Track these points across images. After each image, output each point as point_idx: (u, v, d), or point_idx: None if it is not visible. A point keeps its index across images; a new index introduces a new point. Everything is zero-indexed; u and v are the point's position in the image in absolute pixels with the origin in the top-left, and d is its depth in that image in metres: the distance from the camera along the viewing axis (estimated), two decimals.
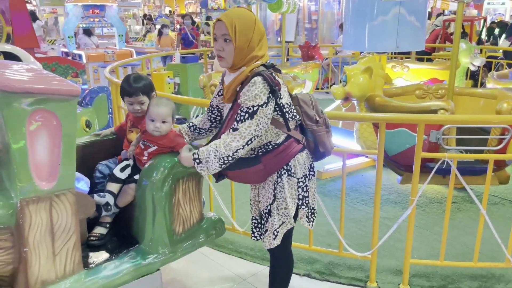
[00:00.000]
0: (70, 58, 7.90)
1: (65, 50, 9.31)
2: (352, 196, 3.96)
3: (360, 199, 3.94)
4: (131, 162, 2.19)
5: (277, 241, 1.98)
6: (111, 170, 2.21)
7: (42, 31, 10.84)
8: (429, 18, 10.33)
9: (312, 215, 2.05)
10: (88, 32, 10.02)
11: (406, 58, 7.67)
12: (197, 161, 1.88)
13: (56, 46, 10.55)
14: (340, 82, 3.90)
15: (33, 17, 9.53)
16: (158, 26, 12.52)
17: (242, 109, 1.81)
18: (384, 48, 4.95)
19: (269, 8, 5.82)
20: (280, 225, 1.97)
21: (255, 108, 1.78)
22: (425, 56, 7.84)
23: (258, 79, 1.78)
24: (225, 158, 1.83)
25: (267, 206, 1.98)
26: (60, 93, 1.52)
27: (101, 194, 2.09)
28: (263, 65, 1.87)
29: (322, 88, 8.68)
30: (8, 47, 4.04)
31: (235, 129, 1.81)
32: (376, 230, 2.65)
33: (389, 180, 4.13)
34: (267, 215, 1.99)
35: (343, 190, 2.73)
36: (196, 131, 2.18)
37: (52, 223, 1.64)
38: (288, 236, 2.05)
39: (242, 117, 1.80)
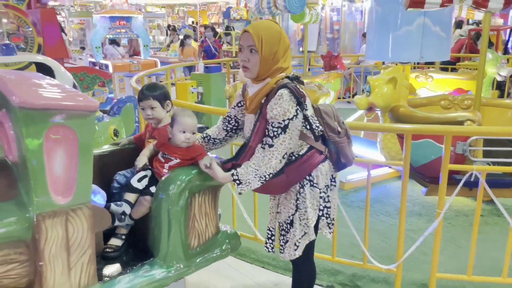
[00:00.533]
0: (97, 67, 8.11)
1: (92, 60, 9.57)
2: (376, 207, 3.91)
3: (383, 210, 3.90)
4: (148, 173, 2.19)
5: (299, 252, 1.97)
6: (128, 180, 2.21)
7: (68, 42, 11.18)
8: (459, 27, 10.17)
9: (332, 226, 2.04)
10: (114, 42, 10.28)
11: (430, 67, 7.57)
12: (237, 181, 1.88)
13: (84, 56, 10.86)
14: (363, 92, 3.89)
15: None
16: (181, 37, 12.75)
17: (273, 124, 1.82)
18: (408, 58, 4.91)
19: (292, 18, 5.86)
20: (302, 236, 1.96)
21: (286, 122, 1.80)
22: (449, 66, 7.73)
23: (284, 92, 1.80)
24: (266, 176, 1.86)
25: (289, 217, 1.97)
26: (77, 108, 1.52)
27: (118, 203, 2.10)
28: (287, 77, 1.89)
29: (343, 98, 8.65)
30: (40, 58, 4.18)
31: (270, 145, 1.83)
32: (402, 242, 2.61)
33: (413, 192, 4.07)
34: (289, 226, 1.98)
35: (367, 201, 2.71)
36: (210, 141, 2.19)
37: (67, 237, 1.65)
38: (310, 247, 2.04)
39: (275, 133, 1.82)
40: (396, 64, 5.07)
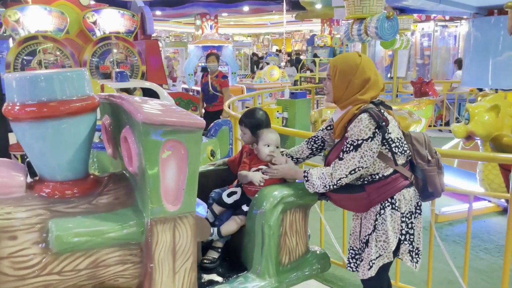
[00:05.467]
0: (190, 93, 8.70)
1: (185, 86, 10.28)
2: (474, 243, 3.63)
3: (482, 247, 3.61)
4: (239, 190, 2.30)
5: (372, 273, 1.96)
6: (222, 190, 2.36)
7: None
8: None
9: (417, 256, 2.00)
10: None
11: None
12: (306, 179, 2.03)
13: (177, 83, 11.70)
14: (456, 119, 3.71)
15: None
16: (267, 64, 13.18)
17: (347, 141, 1.92)
18: (511, 84, 4.60)
19: (381, 45, 5.80)
20: (377, 257, 1.95)
21: (359, 142, 1.88)
22: None
23: (364, 115, 1.88)
24: (329, 186, 1.96)
25: (365, 236, 1.99)
26: (188, 125, 1.67)
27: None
28: (372, 102, 1.97)
29: (435, 126, 8.23)
30: (147, 84, 4.63)
31: (340, 159, 1.93)
32: (506, 283, 2.40)
33: None
34: (364, 245, 2.00)
35: (468, 235, 2.55)
36: (293, 160, 2.28)
37: (174, 242, 1.77)
38: (384, 270, 2.02)
39: (347, 149, 1.91)
40: (496, 91, 4.75)
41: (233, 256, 2.28)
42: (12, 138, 5.58)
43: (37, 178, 1.87)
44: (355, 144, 1.88)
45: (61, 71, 1.79)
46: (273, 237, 2.07)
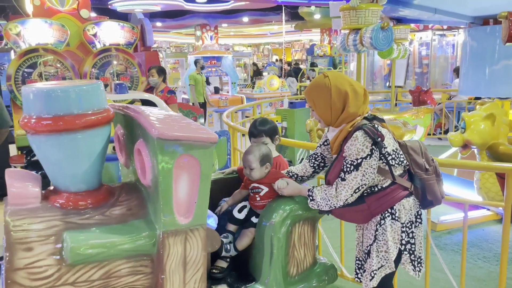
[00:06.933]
0: (190, 104, 8.74)
1: (186, 96, 10.33)
2: (472, 252, 3.64)
3: (481, 255, 3.61)
4: (247, 204, 2.34)
5: (373, 283, 1.97)
6: (231, 207, 2.39)
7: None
8: None
9: (419, 264, 2.00)
10: (206, 81, 11.02)
11: None
12: (310, 197, 2.04)
13: (177, 93, 11.74)
14: (455, 128, 3.73)
15: None
16: (266, 73, 13.26)
17: (347, 161, 1.92)
18: (507, 93, 4.62)
19: (379, 54, 5.84)
20: (378, 268, 1.96)
21: (359, 161, 1.88)
22: None
23: (359, 133, 1.88)
24: (335, 206, 1.97)
25: (367, 246, 2.01)
26: (201, 140, 1.70)
27: (224, 234, 2.27)
28: (365, 117, 1.97)
29: (434, 134, 8.25)
30: (146, 95, 4.66)
31: (343, 179, 1.92)
32: None
33: None
34: (366, 256, 2.01)
35: (464, 244, 2.55)
36: (298, 179, 2.29)
37: (185, 254, 1.80)
38: (388, 279, 2.03)
39: (348, 169, 1.91)
40: (494, 100, 4.78)
41: (241, 266, 2.30)
42: (12, 150, 5.62)
43: (51, 188, 1.90)
44: (355, 163, 1.88)
45: (78, 84, 1.81)
46: (281, 249, 2.11)
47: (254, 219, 2.26)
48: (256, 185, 2.25)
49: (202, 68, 9.34)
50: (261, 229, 2.15)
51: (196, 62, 9.15)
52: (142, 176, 1.83)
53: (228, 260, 2.27)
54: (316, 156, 2.26)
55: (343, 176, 1.92)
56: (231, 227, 2.31)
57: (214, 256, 2.24)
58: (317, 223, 2.28)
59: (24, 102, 1.76)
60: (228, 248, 2.23)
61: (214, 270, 2.21)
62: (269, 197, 2.23)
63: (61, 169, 1.81)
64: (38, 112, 1.70)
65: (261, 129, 2.40)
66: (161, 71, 5.01)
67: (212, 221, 2.17)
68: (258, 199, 2.26)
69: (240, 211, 2.31)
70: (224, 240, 2.22)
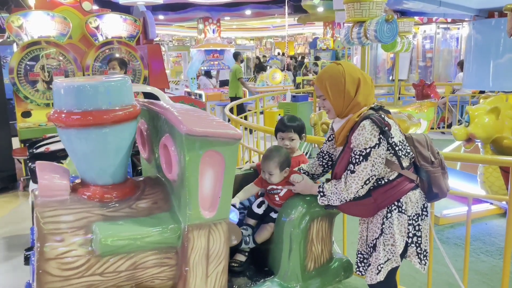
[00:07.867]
0: (192, 97, 8.73)
1: (188, 90, 10.33)
2: (475, 246, 3.63)
3: (484, 249, 3.60)
4: (265, 199, 2.38)
5: (380, 277, 1.96)
6: (250, 202, 2.43)
7: None
8: None
9: (425, 258, 2.00)
10: (208, 74, 11.01)
11: None
12: (321, 193, 2.03)
13: (180, 86, 11.75)
14: (458, 122, 3.71)
15: None
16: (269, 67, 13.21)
17: (355, 152, 1.90)
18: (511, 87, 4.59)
19: (382, 48, 5.79)
20: (385, 261, 1.95)
21: (367, 150, 1.86)
22: None
23: (366, 122, 1.88)
24: (346, 200, 1.96)
25: (373, 240, 1.99)
26: (227, 136, 1.73)
27: (244, 227, 2.30)
28: (371, 108, 1.96)
29: (437, 128, 8.22)
30: (149, 88, 4.65)
31: (352, 172, 1.91)
32: (506, 284, 2.40)
33: None
34: (372, 249, 2.00)
35: (467, 238, 2.54)
36: (309, 177, 2.28)
37: (208, 247, 1.84)
38: (392, 274, 2.02)
39: (357, 160, 1.89)
40: (498, 93, 4.75)
41: (259, 260, 2.34)
42: (15, 143, 5.63)
43: (78, 181, 1.95)
44: (363, 153, 1.87)
45: (106, 80, 1.85)
46: (300, 244, 2.14)
47: (273, 214, 2.30)
48: (274, 186, 2.28)
49: (242, 61, 9.34)
50: (281, 224, 2.19)
51: (237, 55, 9.05)
52: (167, 170, 1.86)
53: (246, 254, 2.30)
54: (323, 154, 2.26)
55: (352, 168, 1.90)
56: (250, 221, 2.35)
57: (233, 250, 2.26)
58: (334, 220, 2.31)
59: (55, 97, 1.81)
60: (248, 240, 2.27)
61: (233, 264, 2.23)
62: (288, 197, 2.25)
63: (88, 162, 1.86)
64: (69, 107, 1.75)
65: (290, 125, 2.40)
66: (123, 64, 4.44)
67: (234, 216, 2.20)
68: (277, 199, 2.31)
69: (259, 206, 2.35)
70: (244, 232, 2.25)
